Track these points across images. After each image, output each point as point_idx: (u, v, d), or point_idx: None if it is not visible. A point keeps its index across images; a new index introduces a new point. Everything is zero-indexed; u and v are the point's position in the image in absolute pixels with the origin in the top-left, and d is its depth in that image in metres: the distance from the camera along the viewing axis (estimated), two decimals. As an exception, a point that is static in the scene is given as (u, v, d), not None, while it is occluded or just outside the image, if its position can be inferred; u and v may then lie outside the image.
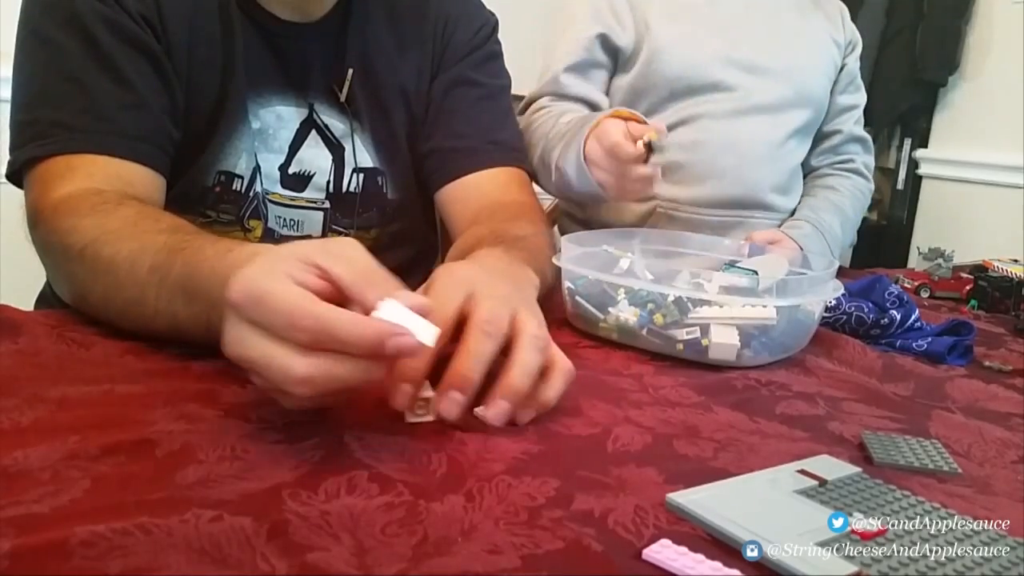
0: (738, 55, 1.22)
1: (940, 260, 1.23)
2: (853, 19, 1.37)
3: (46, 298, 0.93)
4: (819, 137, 1.35)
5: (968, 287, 1.18)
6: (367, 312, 0.47)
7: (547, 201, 1.35)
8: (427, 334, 0.48)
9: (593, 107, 1.22)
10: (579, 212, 1.34)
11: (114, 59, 0.77)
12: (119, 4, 0.78)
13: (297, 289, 0.47)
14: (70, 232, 0.68)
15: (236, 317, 0.47)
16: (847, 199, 1.31)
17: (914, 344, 0.86)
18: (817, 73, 1.28)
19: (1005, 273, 1.21)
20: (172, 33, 0.81)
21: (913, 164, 2.61)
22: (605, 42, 1.22)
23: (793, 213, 1.29)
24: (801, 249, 1.14)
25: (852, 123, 1.36)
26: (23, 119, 0.78)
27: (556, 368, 0.57)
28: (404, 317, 0.47)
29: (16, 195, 0.79)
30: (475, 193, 0.95)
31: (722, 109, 1.20)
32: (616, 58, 1.23)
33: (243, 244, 0.58)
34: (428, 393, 0.53)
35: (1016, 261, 1.29)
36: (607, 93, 1.25)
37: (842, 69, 1.33)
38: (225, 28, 0.84)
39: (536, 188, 1.04)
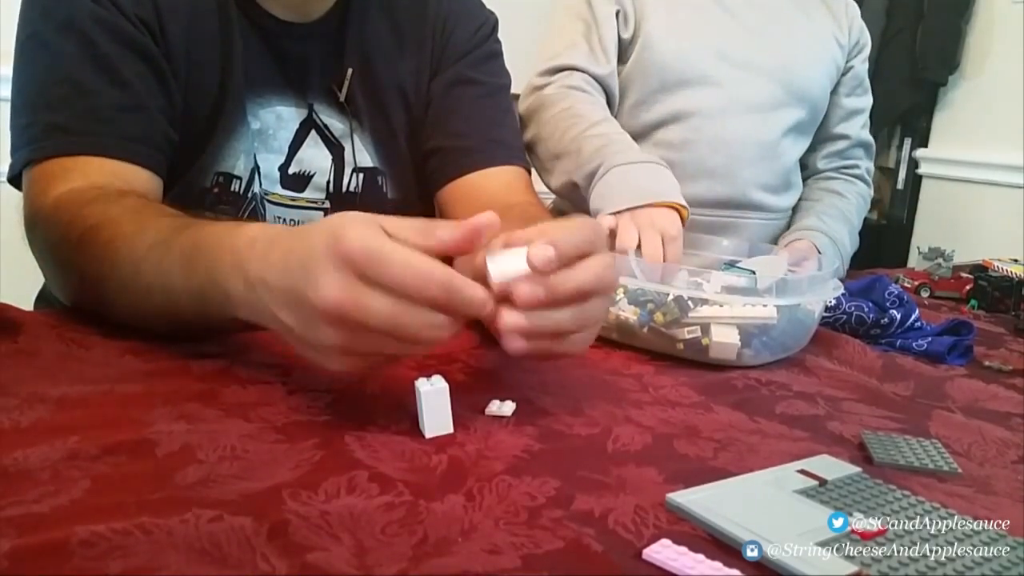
0: (730, 50, 1.20)
1: (940, 260, 1.23)
2: (854, 19, 1.36)
3: (46, 298, 0.93)
4: (825, 139, 1.33)
5: (968, 287, 1.18)
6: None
7: (546, 202, 1.34)
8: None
9: (608, 93, 1.22)
10: (570, 208, 1.34)
11: (111, 62, 0.78)
12: (116, 7, 0.78)
13: (414, 252, 0.48)
14: (70, 223, 0.68)
15: (349, 271, 0.47)
16: (853, 207, 1.29)
17: (914, 344, 0.86)
18: (814, 72, 1.26)
19: (1005, 273, 1.21)
20: (170, 35, 0.81)
21: (913, 164, 2.62)
22: (616, 23, 1.21)
23: (793, 216, 1.28)
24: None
25: (859, 127, 1.34)
26: (22, 123, 0.78)
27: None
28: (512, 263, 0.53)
29: (16, 195, 0.79)
30: (477, 192, 0.95)
31: (712, 106, 1.19)
32: (619, 44, 1.23)
33: (251, 223, 0.59)
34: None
35: (1016, 261, 1.29)
36: None
37: (849, 71, 1.31)
38: (224, 29, 0.84)
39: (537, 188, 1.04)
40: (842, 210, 1.28)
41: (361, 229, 0.48)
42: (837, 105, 1.32)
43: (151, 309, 0.63)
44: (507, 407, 0.58)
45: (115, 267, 0.64)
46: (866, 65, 1.34)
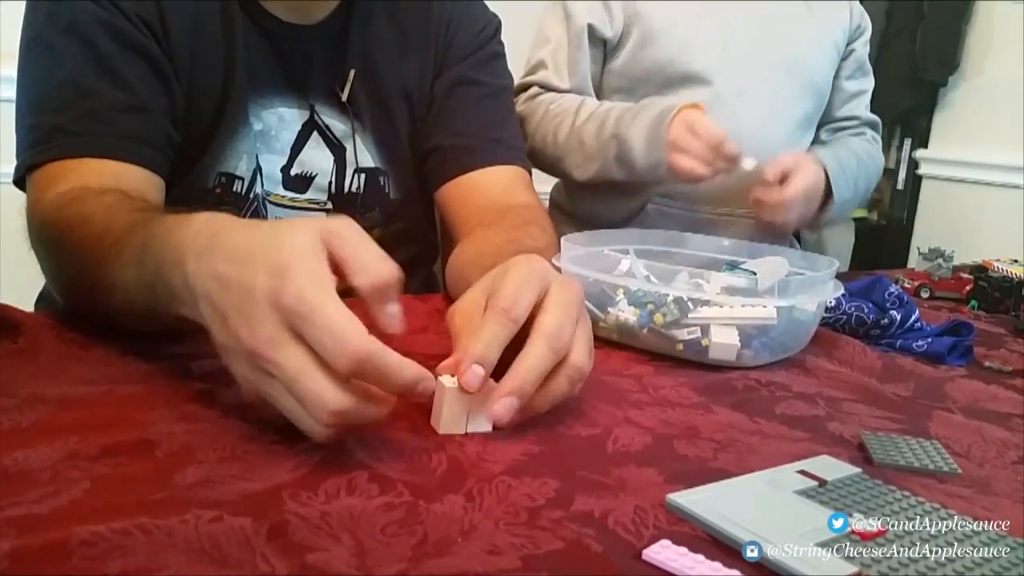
0: (736, 43, 1.19)
1: (940, 260, 1.22)
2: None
3: (46, 298, 0.93)
4: (829, 123, 1.32)
5: (968, 287, 1.18)
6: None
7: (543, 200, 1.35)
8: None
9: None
10: (568, 204, 1.34)
11: (113, 63, 0.78)
12: (119, 9, 0.78)
13: (348, 313, 0.46)
14: (53, 223, 0.69)
15: (278, 317, 0.45)
16: (861, 151, 1.28)
17: (914, 344, 0.86)
18: (819, 60, 1.24)
19: (1005, 273, 1.21)
20: (173, 36, 0.82)
21: (913, 164, 2.62)
22: (592, 33, 1.22)
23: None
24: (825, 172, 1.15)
25: (863, 108, 1.33)
26: (26, 125, 0.78)
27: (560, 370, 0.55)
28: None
29: (17, 195, 0.79)
30: (476, 191, 0.95)
31: (720, 101, 1.18)
32: (604, 47, 1.24)
33: (201, 213, 0.55)
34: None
35: (1016, 261, 1.29)
36: (598, 81, 1.27)
37: (849, 55, 1.29)
38: (226, 30, 0.84)
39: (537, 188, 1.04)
40: (848, 147, 1.27)
41: (303, 279, 0.45)
42: (838, 89, 1.30)
43: (114, 306, 0.62)
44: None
45: (85, 266, 0.63)
46: (867, 48, 1.33)
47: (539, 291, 0.55)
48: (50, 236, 0.70)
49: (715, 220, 1.20)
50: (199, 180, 0.87)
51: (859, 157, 1.26)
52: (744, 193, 1.20)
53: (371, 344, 0.45)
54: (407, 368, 0.47)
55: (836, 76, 1.30)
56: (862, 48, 1.31)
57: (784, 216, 1.13)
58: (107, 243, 0.62)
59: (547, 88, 1.25)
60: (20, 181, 0.79)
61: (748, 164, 1.07)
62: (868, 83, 1.34)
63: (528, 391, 0.53)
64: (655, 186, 1.21)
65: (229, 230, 0.50)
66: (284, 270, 0.45)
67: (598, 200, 1.28)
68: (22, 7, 0.81)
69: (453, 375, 0.54)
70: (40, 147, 0.76)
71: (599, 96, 1.26)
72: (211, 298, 0.49)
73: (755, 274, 0.80)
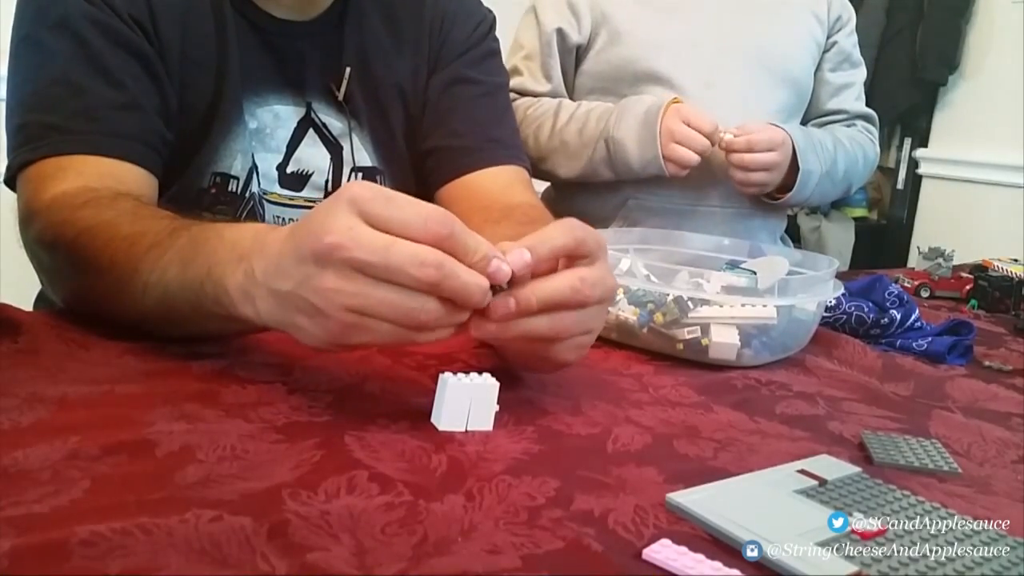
0: (703, 38, 1.20)
1: (940, 260, 1.22)
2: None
3: (46, 298, 0.93)
4: (819, 116, 1.33)
5: (968, 287, 1.18)
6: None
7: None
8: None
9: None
10: (555, 203, 1.34)
11: (105, 61, 0.78)
12: (109, 6, 0.78)
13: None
14: (64, 224, 0.68)
15: (352, 211, 0.48)
16: (843, 135, 1.28)
17: (914, 344, 0.86)
18: (794, 50, 1.25)
19: (1005, 273, 1.21)
20: (164, 34, 0.81)
21: (913, 164, 2.62)
22: (562, 38, 1.24)
23: (777, 202, 1.28)
24: (790, 137, 1.16)
25: (853, 99, 1.33)
26: (16, 123, 0.78)
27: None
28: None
29: (15, 196, 0.79)
30: (477, 192, 0.95)
31: (687, 95, 1.19)
32: (576, 52, 1.26)
33: (254, 223, 0.60)
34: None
35: (1016, 261, 1.29)
36: (571, 84, 1.29)
37: (832, 47, 1.30)
38: (219, 28, 0.84)
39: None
40: (828, 130, 1.27)
41: (362, 183, 0.51)
42: (823, 81, 1.31)
43: (145, 308, 0.62)
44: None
45: (112, 268, 0.63)
46: (852, 38, 1.33)
47: (575, 239, 0.55)
48: (61, 238, 0.68)
49: (690, 211, 1.21)
50: (194, 180, 0.87)
51: (837, 139, 1.26)
52: (716, 186, 1.21)
53: (448, 215, 0.49)
54: (481, 242, 0.50)
55: (819, 69, 1.30)
56: (845, 39, 1.31)
57: (750, 164, 1.15)
58: (142, 247, 0.62)
59: (523, 93, 1.27)
60: (11, 181, 0.79)
61: (728, 135, 1.14)
62: (857, 75, 1.34)
63: (532, 307, 0.52)
64: (636, 183, 1.23)
65: (283, 228, 0.54)
66: (347, 183, 0.51)
67: (583, 198, 1.29)
68: (12, 6, 0.80)
69: (455, 372, 0.54)
70: (33, 144, 0.76)
71: (573, 99, 1.28)
72: (276, 249, 0.51)
73: (755, 274, 0.80)
